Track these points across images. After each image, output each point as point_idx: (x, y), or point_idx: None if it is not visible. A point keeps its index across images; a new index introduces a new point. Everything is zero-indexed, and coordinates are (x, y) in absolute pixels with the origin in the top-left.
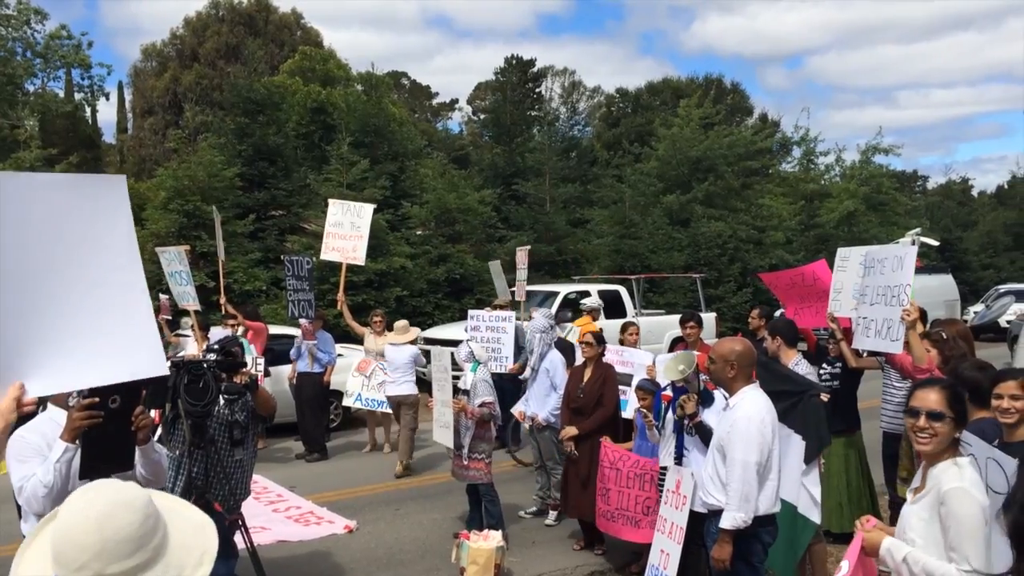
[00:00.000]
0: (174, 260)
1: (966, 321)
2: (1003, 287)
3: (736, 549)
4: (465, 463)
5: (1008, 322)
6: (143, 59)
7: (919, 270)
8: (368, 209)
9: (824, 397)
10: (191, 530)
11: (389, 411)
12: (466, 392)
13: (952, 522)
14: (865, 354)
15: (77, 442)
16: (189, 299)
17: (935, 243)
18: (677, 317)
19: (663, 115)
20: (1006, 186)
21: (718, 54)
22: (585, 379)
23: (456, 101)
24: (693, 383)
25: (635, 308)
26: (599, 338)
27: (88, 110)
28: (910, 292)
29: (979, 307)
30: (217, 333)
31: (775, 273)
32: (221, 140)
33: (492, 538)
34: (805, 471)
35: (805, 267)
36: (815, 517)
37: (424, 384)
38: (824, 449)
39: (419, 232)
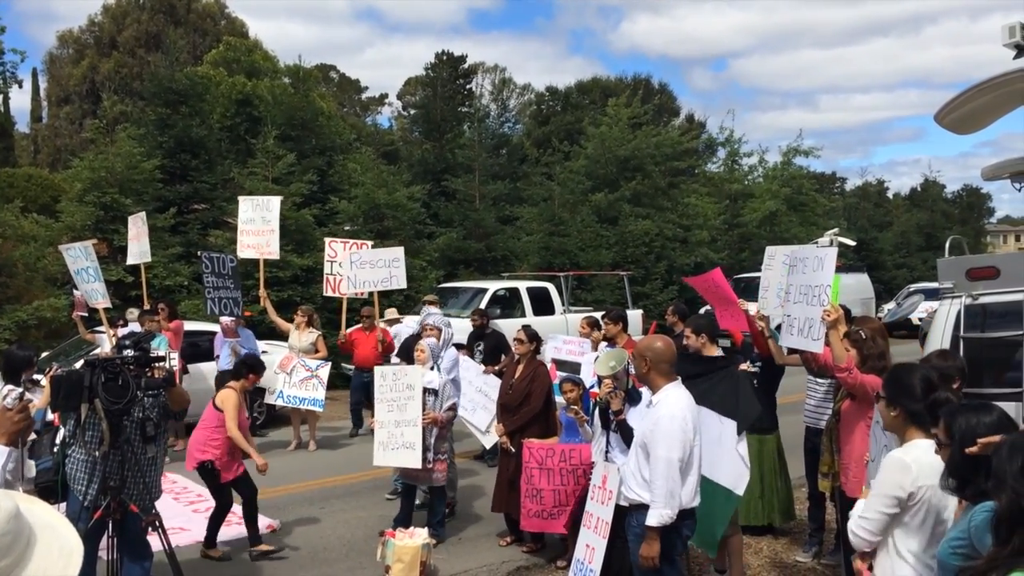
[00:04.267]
0: (80, 256)
1: (880, 318)
2: (914, 286)
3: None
4: (429, 466)
5: (920, 319)
6: (59, 46)
7: (837, 269)
8: (275, 202)
9: (744, 366)
10: (56, 554)
11: (313, 408)
12: (431, 391)
13: (876, 481)
14: (786, 351)
15: (17, 445)
16: (99, 296)
17: (852, 243)
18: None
19: (592, 114)
20: (919, 188)
21: (646, 54)
22: (515, 376)
23: (386, 96)
24: (622, 380)
25: (563, 305)
26: (531, 335)
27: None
28: (831, 292)
29: (892, 305)
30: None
31: (696, 277)
32: (141, 131)
33: (418, 535)
34: (737, 442)
35: (708, 275)
36: (740, 489)
37: None
38: (754, 417)
39: (347, 227)
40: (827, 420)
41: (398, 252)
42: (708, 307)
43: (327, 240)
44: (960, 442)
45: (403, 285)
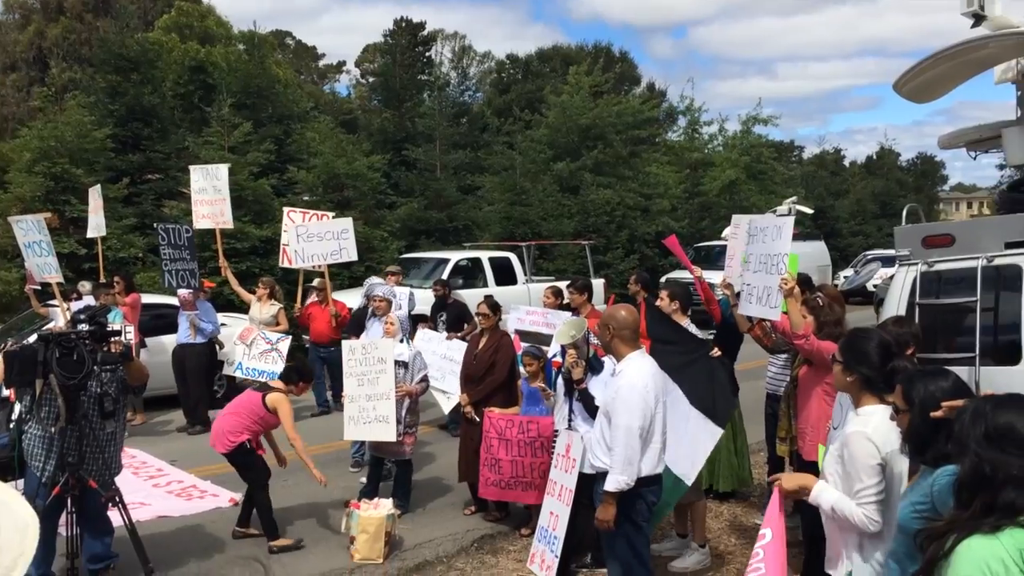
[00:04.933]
0: (32, 230)
1: (836, 285)
2: (871, 253)
3: (621, 509)
4: (400, 438)
5: (875, 286)
6: (4, 11)
7: (795, 237)
8: (223, 169)
9: (715, 352)
10: (11, 530)
11: (273, 381)
12: (401, 364)
13: (849, 460)
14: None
15: None
16: (51, 270)
17: (810, 211)
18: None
19: (553, 82)
20: (875, 156)
21: (607, 21)
22: (479, 347)
23: (344, 63)
24: (582, 349)
25: (525, 275)
26: (494, 307)
27: None
28: (788, 261)
29: (849, 272)
30: (78, 306)
31: (668, 239)
32: (91, 99)
33: (383, 506)
34: (704, 436)
35: (669, 239)
36: (690, 479)
37: None
38: (731, 412)
39: (306, 198)
40: (785, 386)
41: (346, 223)
42: (669, 275)
43: (286, 210)
44: (921, 407)
45: (354, 257)
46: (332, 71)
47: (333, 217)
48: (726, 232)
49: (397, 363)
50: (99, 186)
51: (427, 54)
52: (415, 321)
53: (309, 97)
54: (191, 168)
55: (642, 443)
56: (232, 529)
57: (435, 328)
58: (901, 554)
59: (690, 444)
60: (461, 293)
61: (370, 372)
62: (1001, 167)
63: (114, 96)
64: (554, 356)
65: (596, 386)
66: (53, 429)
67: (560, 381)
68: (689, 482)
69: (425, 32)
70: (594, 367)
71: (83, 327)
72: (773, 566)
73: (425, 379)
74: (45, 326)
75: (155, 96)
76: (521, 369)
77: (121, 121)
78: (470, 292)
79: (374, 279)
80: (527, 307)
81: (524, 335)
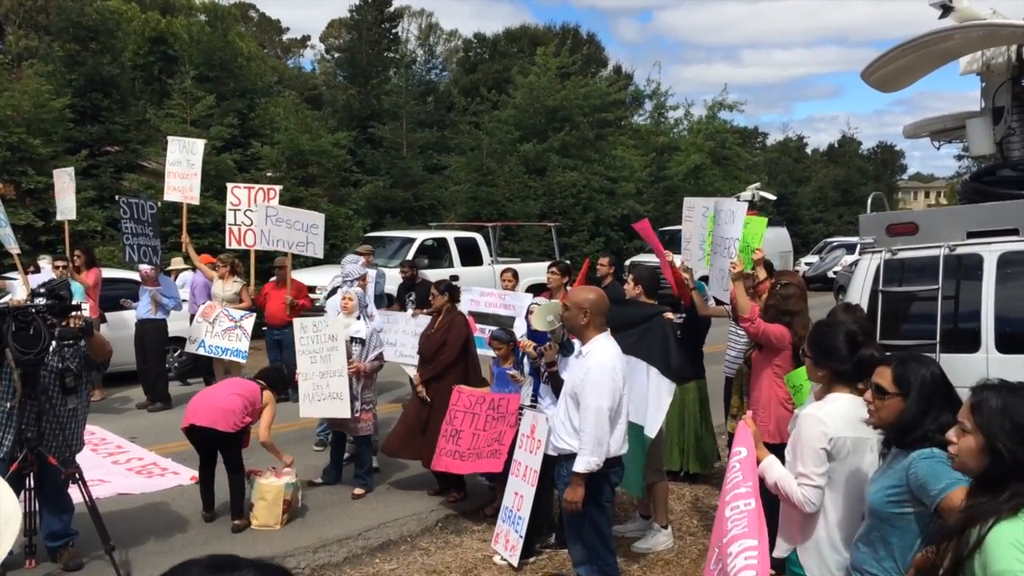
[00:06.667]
0: None
1: (796, 271)
2: (835, 240)
3: (586, 491)
4: (356, 415)
5: (835, 273)
6: None
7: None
8: (199, 144)
9: (668, 315)
10: None
11: (236, 359)
12: (358, 340)
13: (797, 439)
14: (712, 302)
15: None
16: (10, 241)
17: (773, 197)
18: (532, 265)
19: (521, 63)
20: (836, 145)
21: (573, 3)
22: (433, 327)
23: (308, 38)
24: (558, 332)
25: (491, 256)
26: (442, 288)
27: None
28: (738, 245)
29: (812, 258)
30: (38, 279)
31: (638, 224)
32: (49, 68)
33: (285, 475)
34: (662, 391)
35: (642, 223)
36: (652, 432)
37: None
38: (678, 368)
39: (269, 174)
40: (739, 366)
41: (318, 219)
42: (634, 259)
43: (230, 186)
44: (919, 389)
45: (319, 255)
46: (296, 46)
47: (281, 192)
48: None
49: (354, 340)
50: (70, 169)
51: (393, 31)
52: (389, 302)
53: (273, 72)
54: (170, 139)
55: (610, 424)
56: (201, 514)
57: (404, 309)
58: (873, 538)
59: (653, 398)
60: (427, 273)
61: (322, 349)
62: (959, 157)
63: (72, 65)
64: (521, 336)
65: (562, 368)
66: (9, 404)
67: (526, 361)
68: (653, 434)
69: (392, 8)
70: (565, 349)
71: (41, 301)
72: (749, 472)
73: (380, 357)
74: (1, 299)
75: (114, 66)
76: (489, 352)
77: (80, 91)
78: (436, 272)
79: (352, 256)
80: (480, 288)
81: (480, 317)
